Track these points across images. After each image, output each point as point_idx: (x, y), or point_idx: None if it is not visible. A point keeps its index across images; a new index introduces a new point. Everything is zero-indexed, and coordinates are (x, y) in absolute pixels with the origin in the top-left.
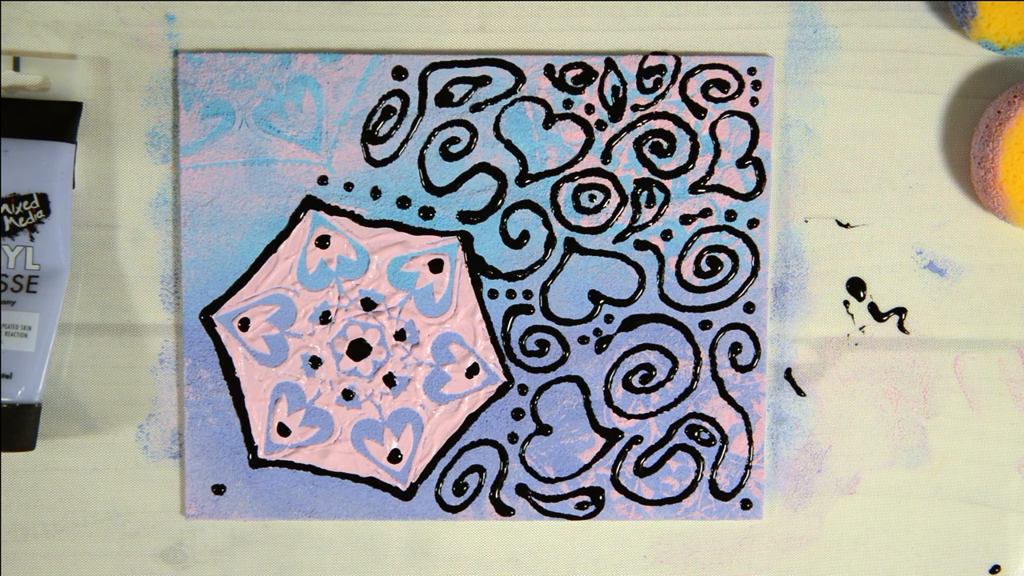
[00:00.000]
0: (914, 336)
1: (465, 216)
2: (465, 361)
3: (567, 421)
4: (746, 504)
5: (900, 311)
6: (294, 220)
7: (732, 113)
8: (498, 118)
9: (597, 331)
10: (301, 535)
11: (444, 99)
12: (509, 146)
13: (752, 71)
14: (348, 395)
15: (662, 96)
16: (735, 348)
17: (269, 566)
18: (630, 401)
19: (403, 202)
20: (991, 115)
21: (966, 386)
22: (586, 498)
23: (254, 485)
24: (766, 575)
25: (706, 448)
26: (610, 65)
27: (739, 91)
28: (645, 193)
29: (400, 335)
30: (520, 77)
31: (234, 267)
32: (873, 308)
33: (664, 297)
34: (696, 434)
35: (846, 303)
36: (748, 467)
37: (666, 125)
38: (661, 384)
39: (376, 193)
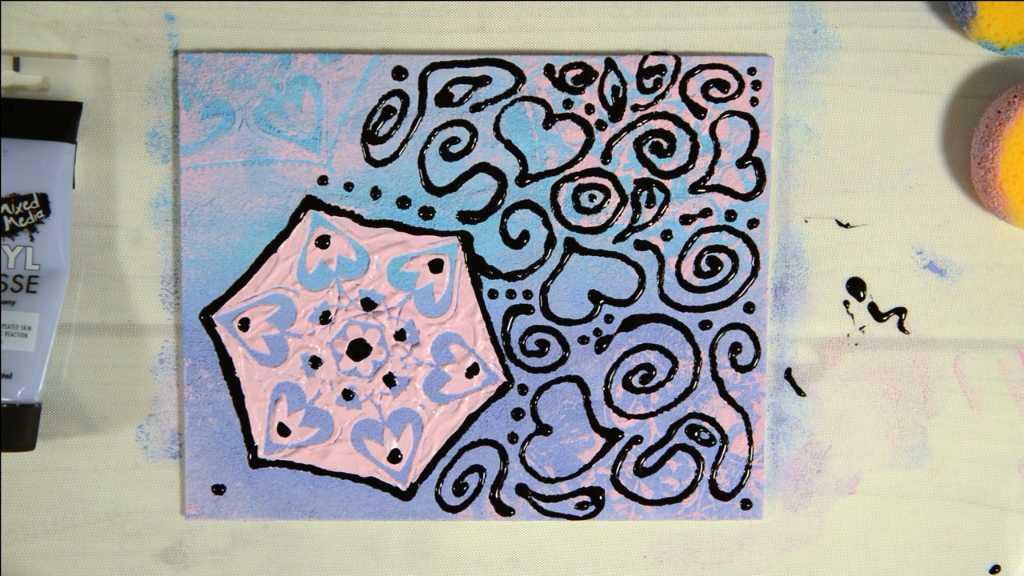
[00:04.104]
0: (914, 336)
1: (465, 216)
2: (465, 361)
3: (567, 421)
4: (746, 504)
5: (900, 311)
6: (294, 220)
7: (732, 113)
8: (498, 118)
9: (597, 331)
10: (301, 535)
11: (444, 99)
12: (509, 146)
13: (752, 71)
14: (348, 395)
15: (662, 96)
16: (735, 348)
17: (269, 566)
18: (630, 401)
19: (403, 202)
20: (991, 115)
21: (966, 386)
22: (586, 498)
23: (254, 485)
24: (766, 575)
25: (706, 448)
26: (610, 65)
27: (739, 91)
28: (645, 193)
29: (400, 335)
30: (520, 77)
31: (234, 267)
32: (873, 308)
33: (664, 297)
34: (696, 434)
35: (846, 303)
36: (748, 467)
37: (666, 125)
38: (661, 384)
39: (376, 193)
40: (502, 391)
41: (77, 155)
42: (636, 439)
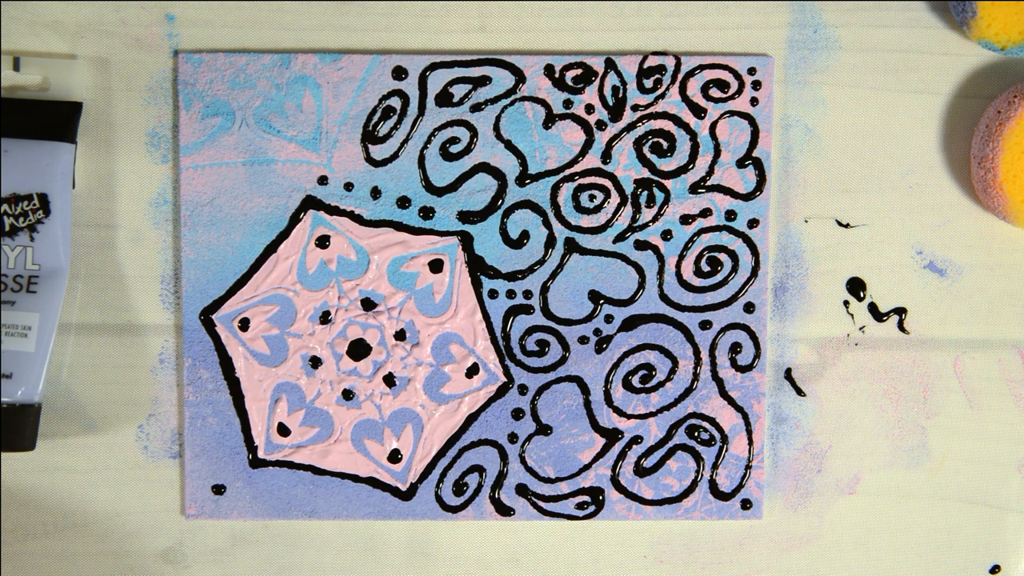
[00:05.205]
0: (914, 336)
1: (465, 216)
2: (465, 361)
3: (567, 421)
4: (746, 504)
5: (900, 311)
6: (294, 220)
7: (732, 113)
8: (498, 118)
9: (597, 331)
10: (301, 535)
11: (444, 99)
12: (509, 146)
13: (752, 71)
14: (348, 395)
15: (662, 96)
16: (735, 348)
17: (269, 566)
18: (630, 401)
19: (403, 202)
20: (991, 115)
21: (966, 386)
22: (586, 498)
23: (254, 485)
24: (766, 575)
25: (706, 448)
26: (610, 65)
27: (739, 91)
28: (645, 193)
29: (400, 335)
30: (520, 77)
31: (234, 267)
32: (873, 308)
33: (664, 297)
34: (696, 434)
35: (846, 303)
36: (748, 467)
37: (666, 125)
38: (661, 384)
39: (376, 193)
40: (502, 391)
41: (77, 155)
42: (636, 439)
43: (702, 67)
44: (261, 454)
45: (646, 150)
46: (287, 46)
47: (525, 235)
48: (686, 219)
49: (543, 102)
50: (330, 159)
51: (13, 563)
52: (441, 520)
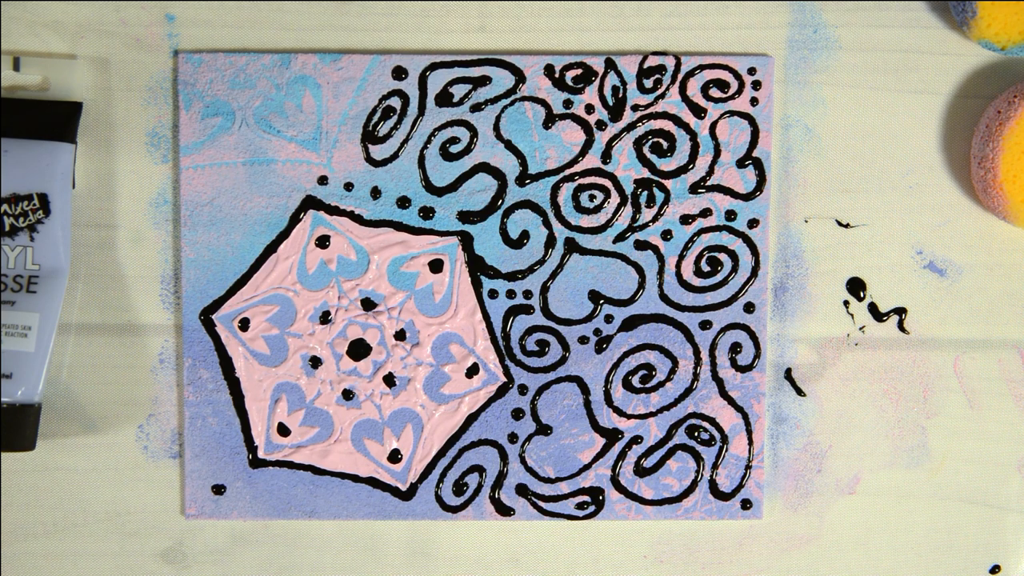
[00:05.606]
0: (914, 336)
1: (465, 216)
2: (465, 361)
3: (567, 421)
4: (746, 504)
5: (900, 311)
6: (294, 220)
7: (732, 113)
8: (498, 118)
9: (597, 331)
10: (301, 535)
11: (444, 99)
12: (509, 146)
13: (752, 71)
14: (348, 395)
15: (662, 96)
16: (735, 348)
17: (269, 566)
18: (630, 401)
19: (403, 202)
20: (991, 115)
21: (966, 386)
22: (586, 498)
23: (254, 485)
24: (766, 575)
25: (706, 448)
26: (610, 65)
27: (739, 91)
28: (645, 193)
29: (400, 335)
30: (520, 77)
31: (234, 267)
32: (873, 308)
33: (664, 297)
34: (696, 434)
35: (846, 303)
36: (748, 467)
37: (666, 125)
38: (661, 384)
39: (376, 193)
40: (502, 391)
41: (77, 155)
42: (636, 439)
43: (702, 67)
44: (261, 454)
45: (646, 150)
46: (287, 46)
47: (525, 235)
48: (686, 219)
49: (543, 102)
50: (330, 159)
51: (13, 563)
52: (441, 520)
